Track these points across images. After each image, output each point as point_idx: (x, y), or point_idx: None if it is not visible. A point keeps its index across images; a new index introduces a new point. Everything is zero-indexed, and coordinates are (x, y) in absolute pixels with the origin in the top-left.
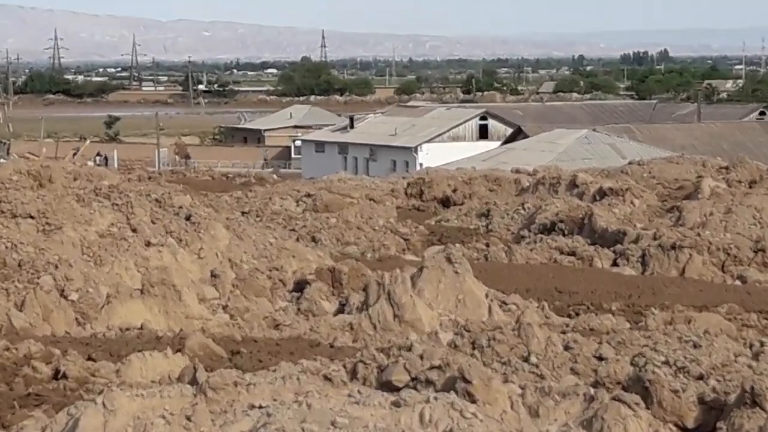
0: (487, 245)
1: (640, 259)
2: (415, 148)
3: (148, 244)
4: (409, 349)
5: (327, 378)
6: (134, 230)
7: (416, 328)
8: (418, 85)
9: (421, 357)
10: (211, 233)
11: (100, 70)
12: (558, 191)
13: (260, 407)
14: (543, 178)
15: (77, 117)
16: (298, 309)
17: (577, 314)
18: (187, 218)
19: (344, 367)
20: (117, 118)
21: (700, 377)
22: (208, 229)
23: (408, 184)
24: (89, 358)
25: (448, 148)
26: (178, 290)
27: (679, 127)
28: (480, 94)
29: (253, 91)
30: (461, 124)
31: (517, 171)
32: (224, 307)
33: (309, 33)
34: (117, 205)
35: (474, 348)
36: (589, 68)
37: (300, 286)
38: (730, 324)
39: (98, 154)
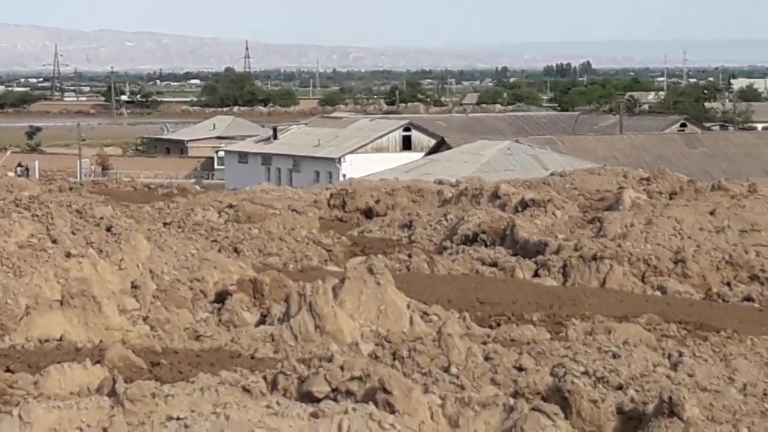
0: (410, 256)
1: (561, 270)
2: (339, 159)
3: (69, 255)
4: (330, 360)
5: (246, 389)
6: (54, 241)
7: (337, 339)
8: (342, 96)
9: (342, 368)
10: (132, 244)
11: (22, 80)
12: (480, 202)
13: (178, 419)
14: (465, 189)
15: None
16: (219, 320)
17: (499, 325)
18: (108, 229)
19: (265, 378)
20: (38, 129)
21: (619, 387)
22: (129, 240)
23: (331, 195)
24: (7, 370)
25: (372, 159)
26: (98, 301)
27: (601, 139)
28: (404, 105)
29: (177, 102)
30: (385, 135)
31: (440, 182)
32: (145, 318)
33: (233, 44)
34: (37, 216)
35: (395, 359)
36: (512, 80)
37: (221, 297)
38: (650, 334)
39: (19, 165)
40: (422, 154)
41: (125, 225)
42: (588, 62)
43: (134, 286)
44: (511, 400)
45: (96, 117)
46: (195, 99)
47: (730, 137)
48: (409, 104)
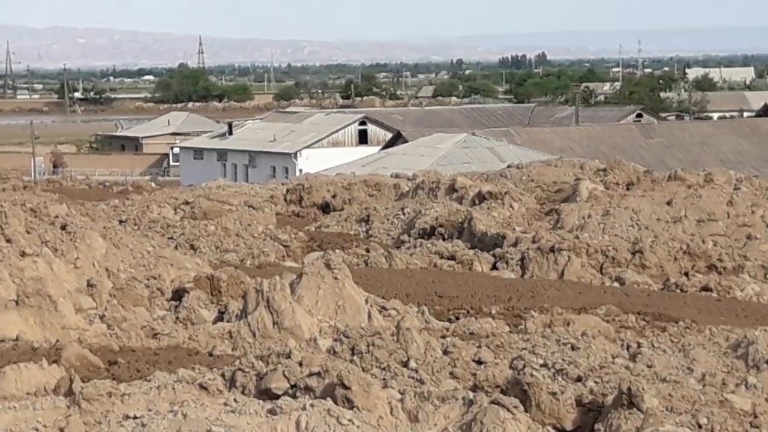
0: (367, 251)
1: (519, 263)
2: (295, 154)
3: (23, 254)
4: (288, 356)
5: (203, 387)
6: (8, 240)
7: (296, 334)
8: (297, 91)
9: (300, 364)
10: (88, 242)
11: None
12: (437, 195)
13: (135, 417)
14: (422, 183)
15: None
16: (177, 318)
17: (457, 318)
18: (63, 228)
19: (223, 375)
20: None
21: (578, 379)
22: (84, 239)
23: (287, 191)
24: None
25: (328, 153)
26: (54, 300)
27: (557, 130)
28: (359, 99)
29: (130, 99)
30: (341, 129)
31: (397, 176)
32: (101, 317)
33: (186, 39)
34: None
35: (353, 354)
36: (467, 72)
37: (178, 294)
38: (609, 326)
39: None
40: (378, 148)
41: (80, 223)
42: (543, 53)
43: (90, 285)
44: (471, 394)
45: (49, 115)
46: (149, 95)
47: (686, 127)
48: (365, 98)
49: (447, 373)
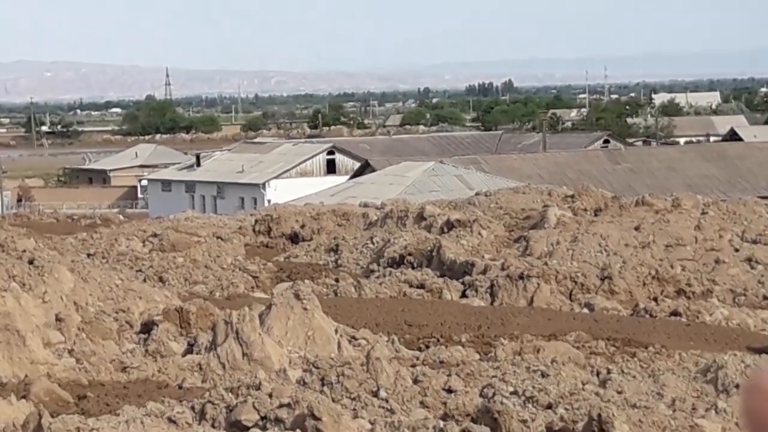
0: (337, 280)
1: (488, 290)
2: (263, 185)
3: None
4: (258, 387)
5: (171, 420)
6: None
7: (265, 366)
8: (265, 121)
9: (270, 395)
10: (56, 276)
11: None
12: (406, 224)
13: None
14: (391, 212)
15: None
16: (146, 350)
17: (427, 347)
18: (31, 262)
19: (193, 408)
20: None
21: (549, 406)
22: (52, 273)
23: (256, 221)
24: None
25: (296, 183)
26: (22, 335)
27: (525, 157)
28: (327, 128)
29: (98, 131)
30: (309, 159)
31: (365, 205)
32: (70, 351)
33: (153, 71)
34: None
35: (323, 384)
36: (435, 100)
37: (147, 327)
38: (579, 352)
39: None
40: (347, 177)
41: (48, 257)
42: (510, 81)
43: (58, 319)
44: (441, 423)
45: (16, 149)
46: (116, 128)
47: (653, 152)
48: (333, 127)
49: (417, 402)
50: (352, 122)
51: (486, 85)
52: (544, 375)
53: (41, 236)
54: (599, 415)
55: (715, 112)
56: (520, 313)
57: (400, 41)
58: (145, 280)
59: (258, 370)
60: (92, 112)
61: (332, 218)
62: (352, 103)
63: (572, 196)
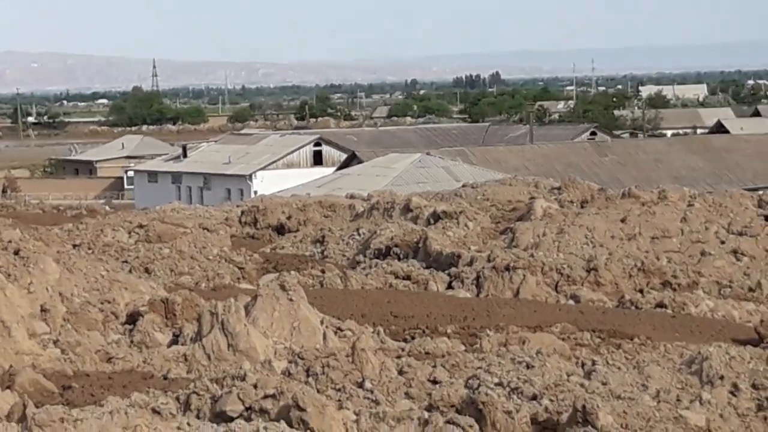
0: (323, 271)
1: (474, 282)
2: (250, 176)
3: None
4: (243, 378)
5: (156, 411)
6: None
7: (251, 357)
8: (252, 113)
9: (255, 386)
10: (41, 267)
11: None
12: (392, 216)
13: None
14: (377, 203)
15: None
16: (131, 341)
17: (413, 338)
18: (16, 252)
19: (177, 398)
20: None
21: (534, 397)
22: (37, 263)
23: (242, 213)
24: None
25: (283, 175)
26: (7, 326)
27: (512, 149)
28: (314, 120)
29: (84, 122)
30: (295, 150)
31: (352, 196)
32: (55, 342)
33: (140, 62)
34: None
35: (308, 375)
36: (422, 92)
37: (133, 318)
38: (564, 343)
39: None
40: (333, 168)
41: (34, 248)
42: (497, 73)
43: (44, 310)
44: (426, 414)
45: (3, 140)
46: (103, 119)
47: (639, 144)
48: (320, 119)
49: (402, 393)
50: (339, 114)
51: (473, 77)
52: (529, 366)
53: (27, 227)
54: (584, 407)
55: (702, 105)
56: (505, 304)
57: (387, 33)
58: (130, 271)
59: (243, 361)
60: (79, 103)
61: (318, 210)
62: (339, 95)
63: (559, 188)
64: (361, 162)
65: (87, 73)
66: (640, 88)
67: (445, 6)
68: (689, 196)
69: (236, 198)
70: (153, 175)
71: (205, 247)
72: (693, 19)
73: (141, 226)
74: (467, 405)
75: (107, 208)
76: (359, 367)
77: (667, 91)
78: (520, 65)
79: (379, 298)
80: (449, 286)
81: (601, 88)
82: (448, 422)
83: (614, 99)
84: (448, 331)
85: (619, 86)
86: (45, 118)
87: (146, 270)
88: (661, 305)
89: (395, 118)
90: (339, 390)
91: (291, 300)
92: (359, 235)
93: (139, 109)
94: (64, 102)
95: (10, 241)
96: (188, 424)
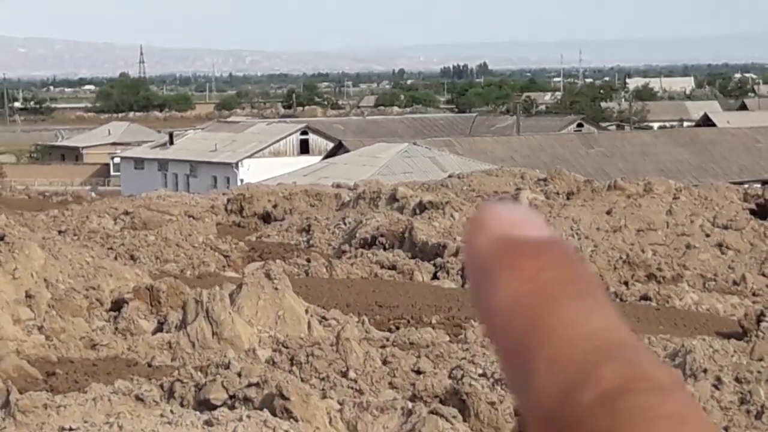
0: (308, 260)
1: (459, 272)
2: (236, 164)
3: None
4: (227, 366)
5: (139, 398)
6: None
7: (235, 345)
8: (239, 101)
9: (239, 374)
10: (26, 253)
11: None
12: (378, 205)
13: (70, 429)
14: (363, 193)
15: None
16: (116, 328)
17: (398, 328)
18: (1, 238)
19: (161, 386)
20: None
21: None
22: (22, 249)
23: (228, 200)
24: None
25: (270, 163)
26: None
27: (499, 140)
28: (301, 108)
29: (71, 108)
30: (282, 139)
31: (338, 185)
32: (40, 328)
33: (127, 48)
34: None
35: (292, 364)
36: (409, 82)
37: (118, 305)
38: None
39: None
40: (320, 157)
41: (19, 234)
42: (484, 63)
43: (28, 296)
44: (410, 404)
45: None
46: (90, 105)
47: (626, 137)
48: (307, 108)
49: (386, 383)
50: (326, 103)
51: (461, 67)
52: None
53: (12, 212)
54: None
55: (689, 98)
56: None
57: (375, 22)
58: (116, 258)
59: (227, 349)
60: (65, 89)
61: (305, 198)
62: (326, 84)
63: (545, 180)
64: (347, 151)
65: (74, 59)
66: (627, 80)
67: None
68: (675, 189)
69: (222, 186)
70: (139, 162)
71: (191, 234)
72: (681, 12)
73: (127, 213)
74: (451, 395)
75: (93, 194)
76: (343, 357)
77: (654, 83)
78: (508, 56)
79: (364, 288)
80: (434, 277)
81: (589, 80)
82: (431, 412)
83: (601, 91)
84: (433, 321)
85: (607, 78)
86: (31, 103)
87: (131, 257)
88: (645, 298)
89: (382, 108)
90: (323, 379)
91: (276, 289)
92: (345, 224)
93: (126, 96)
94: (51, 87)
95: None
96: (171, 411)
